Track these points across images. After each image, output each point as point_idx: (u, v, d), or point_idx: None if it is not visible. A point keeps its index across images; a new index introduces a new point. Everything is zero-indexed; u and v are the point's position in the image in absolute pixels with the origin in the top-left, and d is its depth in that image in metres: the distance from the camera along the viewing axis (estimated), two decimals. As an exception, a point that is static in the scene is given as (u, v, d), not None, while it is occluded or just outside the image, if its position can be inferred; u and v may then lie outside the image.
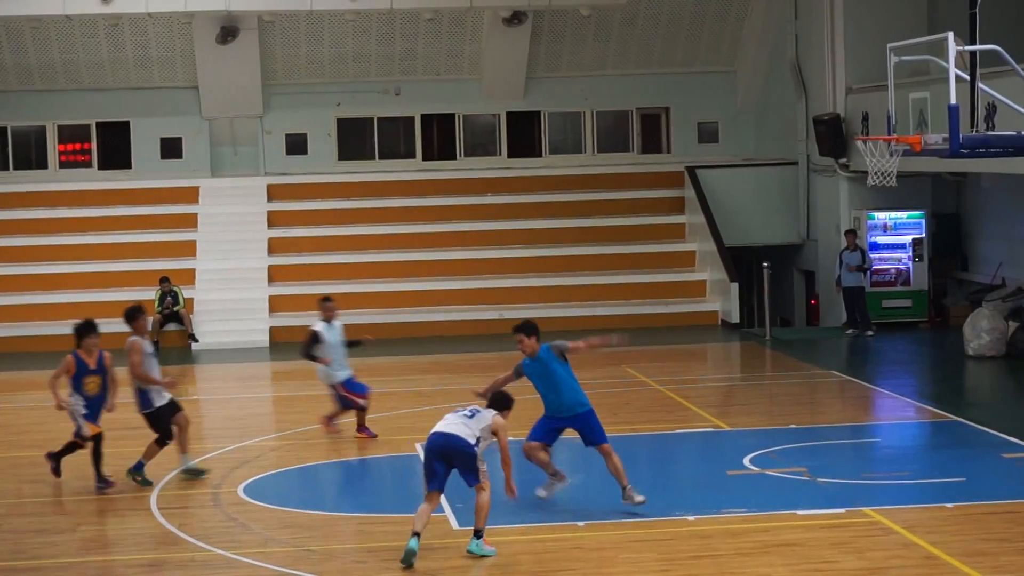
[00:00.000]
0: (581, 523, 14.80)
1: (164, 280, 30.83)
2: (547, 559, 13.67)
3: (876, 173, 18.16)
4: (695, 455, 18.64)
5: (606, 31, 35.21)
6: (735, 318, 31.27)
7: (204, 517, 15.71)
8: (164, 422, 17.20)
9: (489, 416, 13.97)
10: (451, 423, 13.87)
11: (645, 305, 32.12)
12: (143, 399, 17.13)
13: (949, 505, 15.07)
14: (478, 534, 13.76)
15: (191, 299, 31.24)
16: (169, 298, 30.74)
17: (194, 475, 17.42)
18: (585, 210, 34.17)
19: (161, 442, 17.25)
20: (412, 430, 20.13)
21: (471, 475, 13.74)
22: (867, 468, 17.24)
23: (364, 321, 31.27)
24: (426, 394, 23.76)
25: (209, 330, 30.70)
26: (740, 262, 33.06)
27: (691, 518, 14.93)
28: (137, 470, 17.19)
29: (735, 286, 31.34)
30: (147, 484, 17.06)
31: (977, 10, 17.24)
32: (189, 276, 31.96)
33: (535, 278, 32.65)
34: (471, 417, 13.93)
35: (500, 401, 14.24)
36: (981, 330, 25.82)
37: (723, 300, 31.83)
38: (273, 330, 30.88)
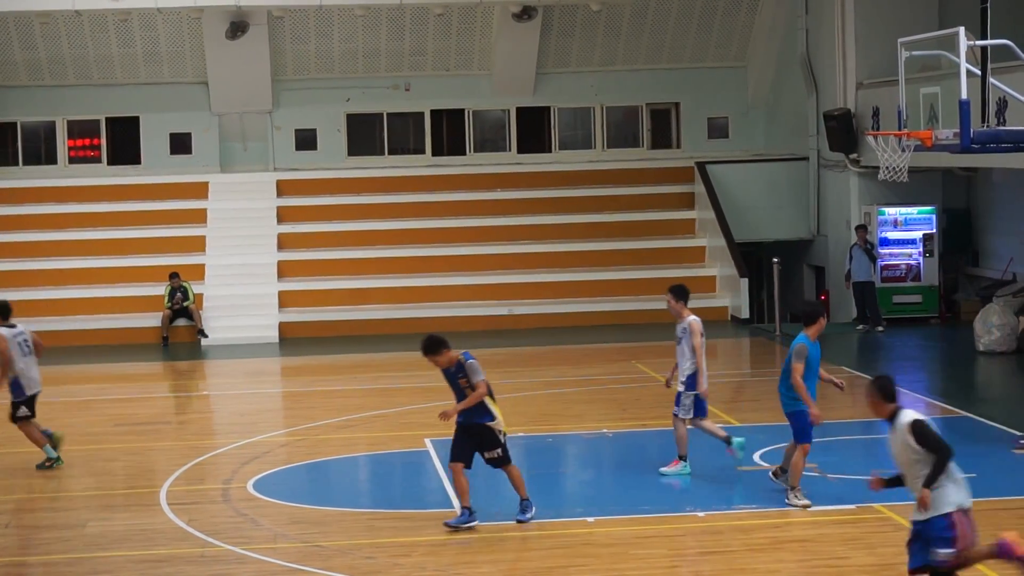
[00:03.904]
0: (591, 519, 14.79)
1: (173, 275, 30.84)
2: (557, 555, 13.65)
3: (888, 168, 18.12)
4: (705, 451, 18.59)
5: (616, 26, 35.16)
6: (745, 314, 31.24)
7: (214, 513, 15.70)
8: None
9: None
10: None
11: (654, 301, 31.98)
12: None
13: (960, 501, 14.99)
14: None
15: (200, 294, 31.21)
16: (179, 294, 30.74)
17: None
18: (595, 206, 34.13)
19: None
20: (422, 426, 20.12)
21: None
22: (878, 464, 17.10)
23: (373, 316, 31.41)
24: (435, 390, 23.67)
25: (218, 325, 30.69)
26: (750, 258, 33.03)
27: (701, 514, 14.91)
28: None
29: (745, 282, 31.30)
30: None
31: (988, 5, 17.20)
32: (198, 271, 31.95)
33: (545, 273, 32.62)
34: None
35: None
36: (992, 326, 25.77)
37: (733, 296, 31.79)
38: (282, 325, 30.86)
